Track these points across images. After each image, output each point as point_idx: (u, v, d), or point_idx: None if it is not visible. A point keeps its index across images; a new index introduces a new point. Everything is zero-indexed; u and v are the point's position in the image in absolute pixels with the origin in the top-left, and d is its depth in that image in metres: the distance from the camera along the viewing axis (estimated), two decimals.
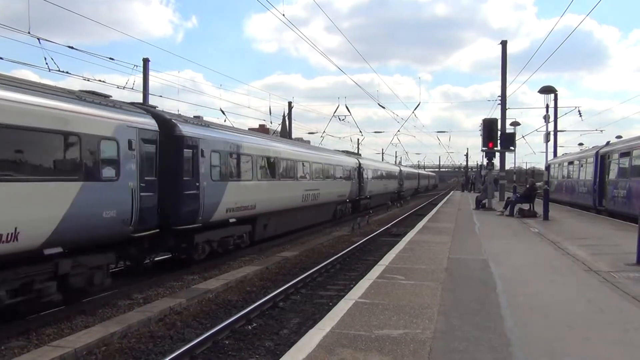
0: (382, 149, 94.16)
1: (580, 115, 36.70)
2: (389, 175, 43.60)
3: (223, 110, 29.27)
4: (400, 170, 51.97)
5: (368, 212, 30.78)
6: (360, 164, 31.30)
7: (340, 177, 26.70)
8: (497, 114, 31.42)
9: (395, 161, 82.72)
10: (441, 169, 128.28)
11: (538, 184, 29.70)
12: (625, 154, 19.47)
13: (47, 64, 15.60)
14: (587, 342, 5.18)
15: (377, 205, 36.91)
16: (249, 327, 8.35)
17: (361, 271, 12.20)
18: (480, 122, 26.11)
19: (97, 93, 10.18)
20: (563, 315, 6.12)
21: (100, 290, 9.61)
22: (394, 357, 4.67)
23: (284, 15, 17.01)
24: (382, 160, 70.15)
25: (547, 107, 30.77)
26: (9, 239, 7.23)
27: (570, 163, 29.25)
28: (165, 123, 11.71)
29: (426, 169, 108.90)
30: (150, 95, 22.82)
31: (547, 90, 26.63)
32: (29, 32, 14.34)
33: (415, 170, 76.42)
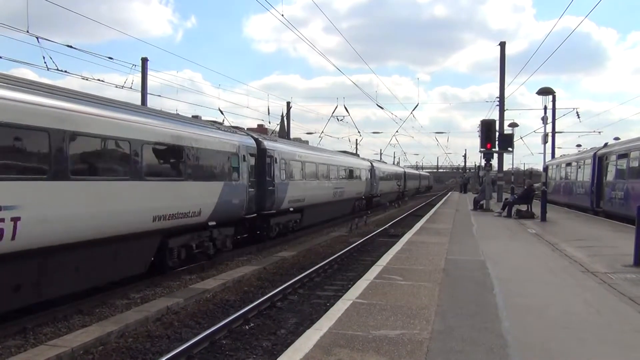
0: (381, 150, 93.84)
1: (579, 117, 36.96)
2: (349, 174, 28.79)
3: (222, 110, 29.17)
4: (372, 167, 35.77)
5: (367, 213, 30.57)
6: (267, 149, 16.82)
7: (183, 176, 11.62)
8: (495, 115, 31.50)
9: (394, 161, 79.68)
10: (439, 170, 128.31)
11: (536, 185, 29.76)
12: (623, 155, 19.52)
13: (45, 62, 15.73)
14: (584, 343, 5.19)
15: (313, 225, 22.66)
16: (247, 327, 8.36)
17: (359, 272, 12.21)
18: (479, 123, 26.19)
19: None
20: (560, 316, 6.13)
21: None
22: (391, 358, 4.67)
23: (282, 15, 17.01)
24: (380, 159, 59.91)
25: (545, 108, 30.79)
26: None
27: (568, 164, 29.31)
28: None
29: (424, 169, 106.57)
30: (148, 95, 22.80)
31: (545, 91, 26.66)
32: (27, 31, 14.35)
33: (400, 168, 57.98)
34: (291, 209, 19.19)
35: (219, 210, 13.06)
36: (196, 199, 12.05)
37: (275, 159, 17.41)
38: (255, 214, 15.92)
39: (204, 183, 12.54)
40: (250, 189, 15.22)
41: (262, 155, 16.56)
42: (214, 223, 13.02)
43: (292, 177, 19.21)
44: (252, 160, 15.75)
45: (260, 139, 17.00)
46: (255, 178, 15.83)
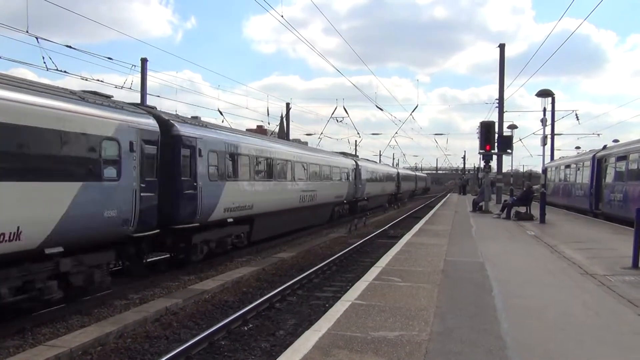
0: (380, 151, 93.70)
1: (578, 119, 37.06)
2: (323, 173, 23.78)
3: (221, 110, 29.06)
4: (357, 167, 30.83)
5: (365, 214, 30.51)
6: (182, 136, 12.32)
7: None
8: (494, 117, 31.47)
9: (393, 163, 77.87)
10: (438, 171, 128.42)
11: (535, 187, 29.79)
12: (622, 157, 19.54)
13: (45, 63, 15.70)
14: (583, 345, 5.19)
15: (272, 239, 17.96)
16: (245, 327, 8.35)
17: (358, 273, 12.21)
18: (478, 124, 26.18)
19: None
20: (558, 318, 6.14)
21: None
22: (389, 359, 4.67)
23: (282, 16, 17.02)
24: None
25: (545, 110, 30.85)
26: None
27: (567, 166, 29.34)
28: None
29: (423, 171, 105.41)
30: (147, 95, 22.80)
31: (544, 93, 26.71)
32: (27, 31, 14.33)
33: (393, 168, 52.71)
34: (230, 220, 14.15)
35: (69, 227, 8.45)
36: (6, 211, 7.38)
37: (199, 150, 12.58)
38: (157, 230, 11.02)
39: (30, 184, 7.82)
40: (146, 193, 10.48)
41: (173, 144, 11.84)
42: (60, 249, 8.40)
43: (232, 176, 14.37)
44: (154, 151, 11.02)
45: (171, 121, 12.13)
46: (159, 177, 11.10)
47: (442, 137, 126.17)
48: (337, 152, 31.56)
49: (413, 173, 73.38)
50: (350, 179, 28.97)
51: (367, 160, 42.01)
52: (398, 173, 51.01)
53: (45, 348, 6.91)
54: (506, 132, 30.75)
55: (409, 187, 59.39)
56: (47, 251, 8.20)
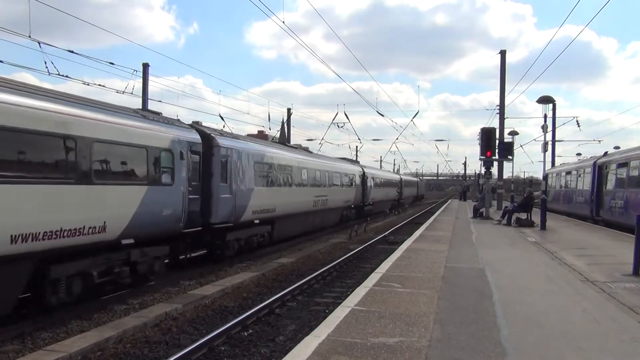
0: (381, 157, 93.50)
1: (579, 126, 37.12)
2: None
3: (222, 116, 28.87)
4: (230, 153, 14.21)
5: (366, 220, 30.43)
6: None
7: None
8: (495, 123, 31.58)
9: (394, 169, 76.93)
10: (439, 177, 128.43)
11: (535, 193, 29.80)
12: (623, 164, 19.57)
13: (47, 67, 15.61)
14: (582, 352, 5.18)
15: None
16: (245, 333, 8.34)
17: (358, 278, 12.21)
18: (479, 131, 26.24)
19: None
20: (558, 324, 6.13)
21: None
22: None
23: (284, 22, 17.07)
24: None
25: (545, 117, 30.86)
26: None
27: (568, 173, 29.36)
28: None
29: (424, 177, 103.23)
30: (149, 100, 22.87)
31: (545, 100, 26.70)
32: (29, 36, 14.38)
33: (353, 166, 32.34)
34: None
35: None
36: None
37: None
38: None
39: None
40: None
41: None
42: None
43: None
44: None
45: None
46: None
47: (443, 143, 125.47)
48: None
49: (397, 176, 53.61)
50: (181, 182, 12.41)
51: (267, 143, 19.86)
52: (363, 173, 33.33)
53: (44, 353, 6.91)
54: (507, 138, 30.82)
55: (388, 194, 41.79)
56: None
